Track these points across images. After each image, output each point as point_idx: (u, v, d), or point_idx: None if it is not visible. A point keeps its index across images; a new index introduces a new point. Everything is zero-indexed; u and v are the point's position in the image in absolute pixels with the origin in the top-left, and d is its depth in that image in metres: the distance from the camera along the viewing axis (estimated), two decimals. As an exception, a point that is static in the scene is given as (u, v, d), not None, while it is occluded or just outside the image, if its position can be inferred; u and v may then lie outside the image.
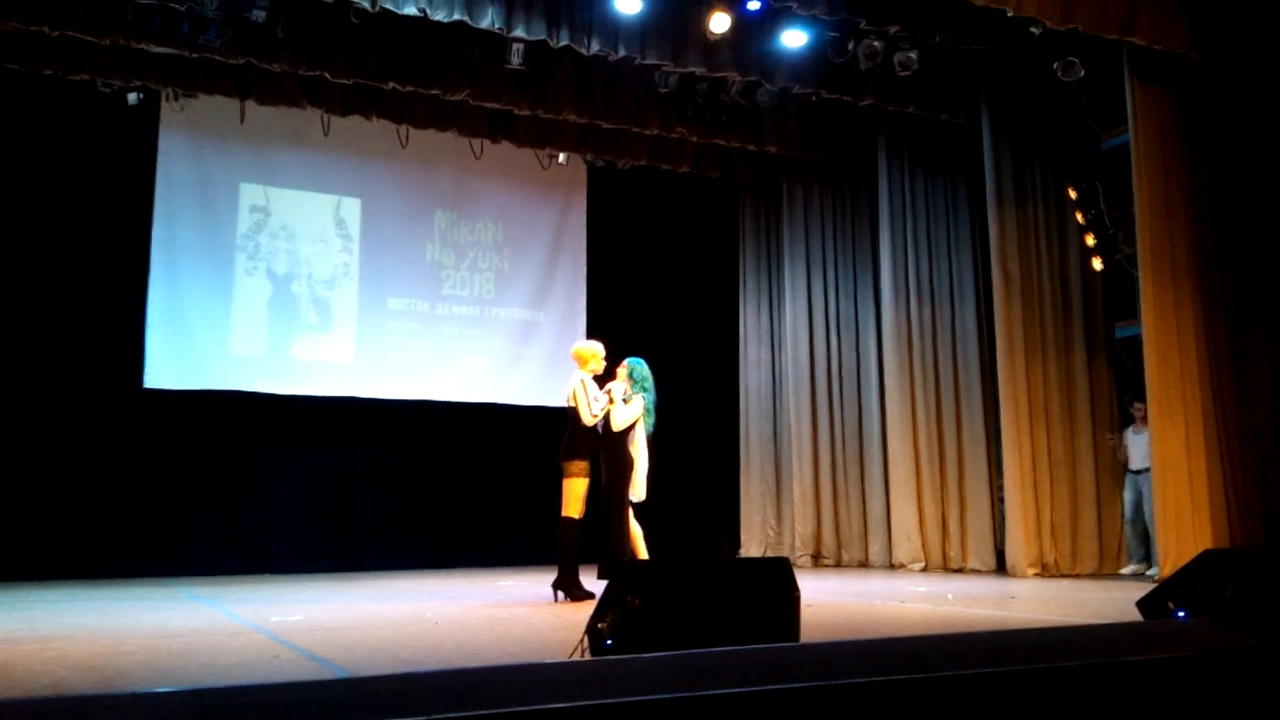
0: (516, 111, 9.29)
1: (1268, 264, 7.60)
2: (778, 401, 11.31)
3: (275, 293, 10.02)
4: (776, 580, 3.78)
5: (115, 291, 9.38)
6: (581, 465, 6.50)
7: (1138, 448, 8.41)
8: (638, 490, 6.62)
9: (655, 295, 11.59)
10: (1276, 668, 2.93)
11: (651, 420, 6.70)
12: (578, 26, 8.15)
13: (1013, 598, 6.74)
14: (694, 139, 10.02)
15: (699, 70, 8.78)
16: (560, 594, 6.43)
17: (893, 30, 8.22)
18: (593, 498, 6.61)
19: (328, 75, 8.47)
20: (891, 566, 9.85)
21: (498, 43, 8.42)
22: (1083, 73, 8.24)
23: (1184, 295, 7.68)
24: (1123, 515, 8.62)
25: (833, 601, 6.49)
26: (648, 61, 8.51)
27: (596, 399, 6.52)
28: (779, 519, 11.10)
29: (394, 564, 10.03)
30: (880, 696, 2.44)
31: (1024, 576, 8.35)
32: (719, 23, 8.31)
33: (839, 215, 11.07)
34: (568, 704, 2.18)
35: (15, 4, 7.43)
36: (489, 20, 7.81)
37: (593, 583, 6.37)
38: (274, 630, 4.95)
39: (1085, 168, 9.00)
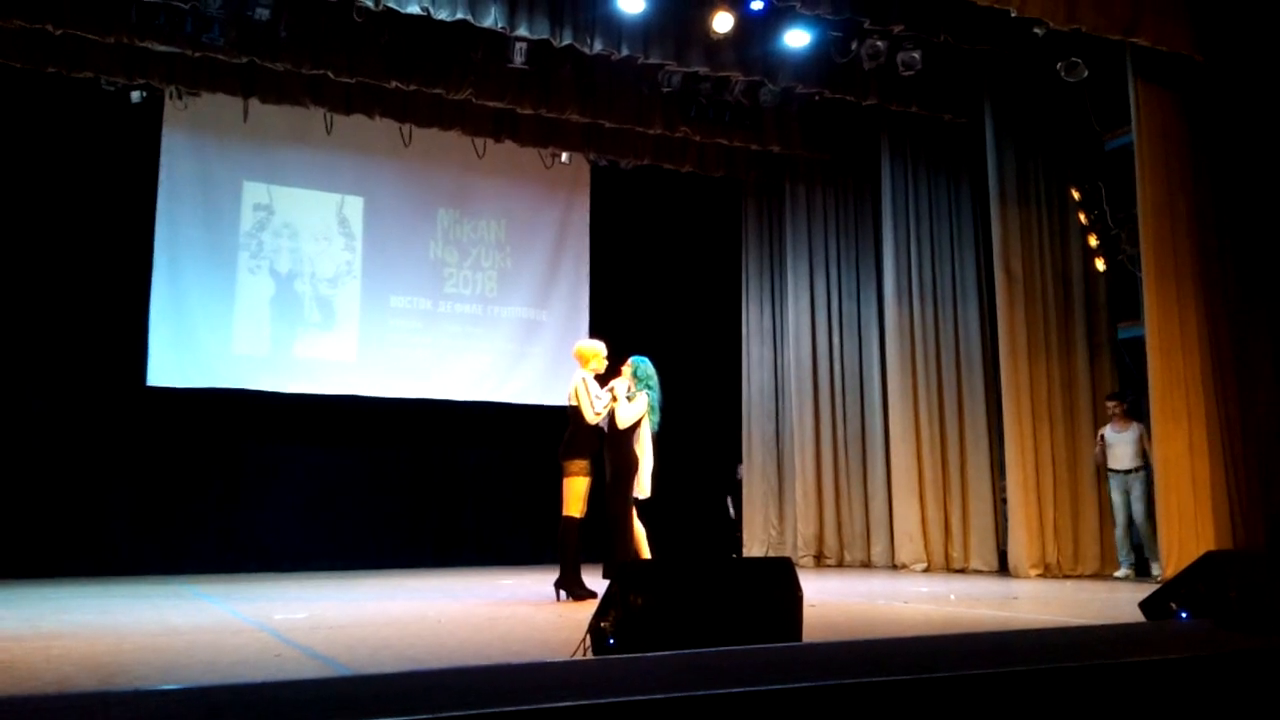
0: (519, 111, 9.29)
1: (1271, 265, 7.59)
2: (780, 401, 11.31)
3: (278, 291, 10.02)
4: (779, 580, 3.78)
5: (118, 290, 9.40)
6: (582, 464, 6.49)
7: (1122, 446, 8.32)
8: (642, 488, 6.61)
9: (658, 294, 11.59)
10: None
11: (656, 418, 6.70)
12: (581, 26, 8.15)
13: (1015, 598, 6.74)
14: (697, 138, 10.01)
15: (702, 70, 8.78)
16: (562, 593, 6.43)
17: (896, 30, 8.21)
18: (596, 497, 6.60)
19: (331, 74, 8.48)
20: (894, 567, 9.84)
21: (501, 42, 8.42)
22: (1086, 73, 8.23)
23: (1187, 296, 7.67)
24: (1114, 519, 8.52)
25: (835, 602, 6.49)
26: (651, 61, 8.51)
27: (599, 397, 6.52)
28: (781, 519, 11.10)
29: (396, 562, 10.04)
30: (883, 697, 2.44)
31: (1026, 577, 8.34)
32: (722, 22, 8.31)
33: (842, 215, 11.07)
34: (570, 703, 2.18)
35: (19, 2, 7.44)
36: (492, 19, 7.82)
37: (596, 582, 6.37)
38: (276, 628, 4.95)
39: (1088, 168, 8.99)
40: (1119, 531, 8.43)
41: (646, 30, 8.34)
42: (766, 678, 2.50)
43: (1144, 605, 4.36)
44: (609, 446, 6.57)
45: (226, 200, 9.87)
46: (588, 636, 3.54)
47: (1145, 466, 8.17)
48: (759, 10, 8.35)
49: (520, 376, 10.85)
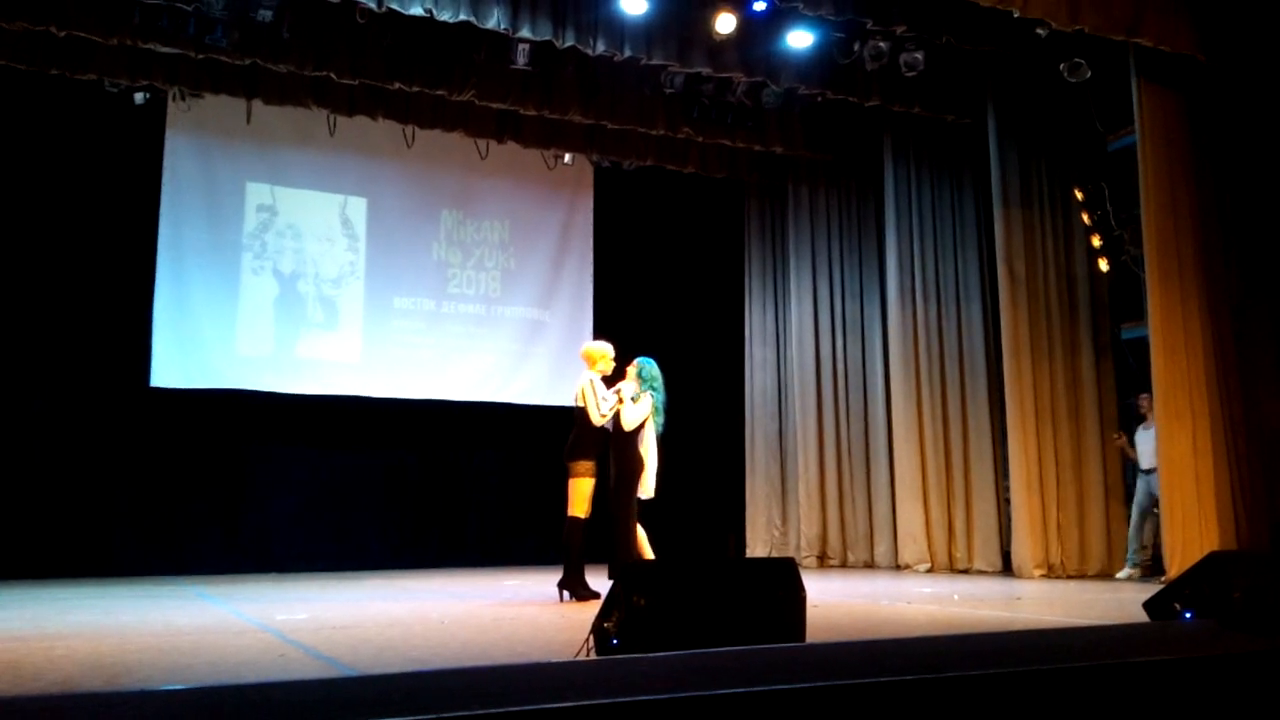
0: (522, 112, 9.30)
1: (1274, 265, 7.58)
2: (783, 402, 11.31)
3: (281, 292, 10.04)
4: (782, 581, 3.77)
5: (122, 291, 9.41)
6: (587, 465, 6.50)
7: (1147, 444, 8.25)
8: (646, 489, 6.61)
9: (661, 295, 11.61)
10: (1284, 670, 2.93)
11: (661, 419, 6.69)
12: (583, 27, 8.16)
13: (1019, 599, 6.73)
14: (699, 139, 10.01)
15: (705, 71, 8.78)
16: (566, 594, 6.43)
17: (899, 31, 8.21)
18: (600, 497, 6.60)
19: (334, 75, 8.48)
20: (897, 567, 9.84)
21: (503, 43, 8.43)
22: (1089, 74, 8.22)
23: (1190, 297, 7.66)
24: (1129, 517, 8.53)
25: (838, 602, 6.48)
26: (653, 62, 8.52)
27: (605, 399, 6.52)
28: (784, 519, 11.10)
29: (400, 563, 10.04)
30: (886, 697, 2.44)
31: (1030, 577, 8.34)
32: (724, 23, 8.31)
33: (844, 216, 11.06)
34: (574, 703, 2.18)
35: (23, 4, 7.45)
36: (495, 21, 7.82)
37: (600, 582, 6.37)
38: (280, 629, 4.95)
39: (1091, 169, 8.98)
40: (1131, 530, 8.42)
41: (649, 31, 8.34)
42: (770, 678, 2.50)
43: (1148, 606, 4.35)
44: (614, 447, 6.58)
45: (230, 201, 9.88)
46: (591, 637, 3.54)
47: None
48: (761, 11, 8.35)
49: (524, 377, 10.86)
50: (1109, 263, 8.90)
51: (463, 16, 7.70)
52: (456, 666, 3.53)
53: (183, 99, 9.33)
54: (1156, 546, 8.31)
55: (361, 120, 9.48)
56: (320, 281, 10.20)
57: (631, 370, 6.75)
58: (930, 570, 9.46)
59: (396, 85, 8.67)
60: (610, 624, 3.47)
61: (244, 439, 9.82)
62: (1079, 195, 8.98)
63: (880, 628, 5.02)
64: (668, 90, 9.22)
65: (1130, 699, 2.71)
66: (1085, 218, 8.95)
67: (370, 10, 7.61)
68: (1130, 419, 8.78)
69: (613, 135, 10.02)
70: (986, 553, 9.28)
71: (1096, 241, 8.89)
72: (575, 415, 6.61)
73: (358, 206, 10.43)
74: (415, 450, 10.57)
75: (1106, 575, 8.53)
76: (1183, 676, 2.81)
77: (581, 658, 3.52)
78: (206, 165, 9.79)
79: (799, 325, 11.00)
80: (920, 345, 9.83)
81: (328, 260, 10.25)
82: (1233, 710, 2.85)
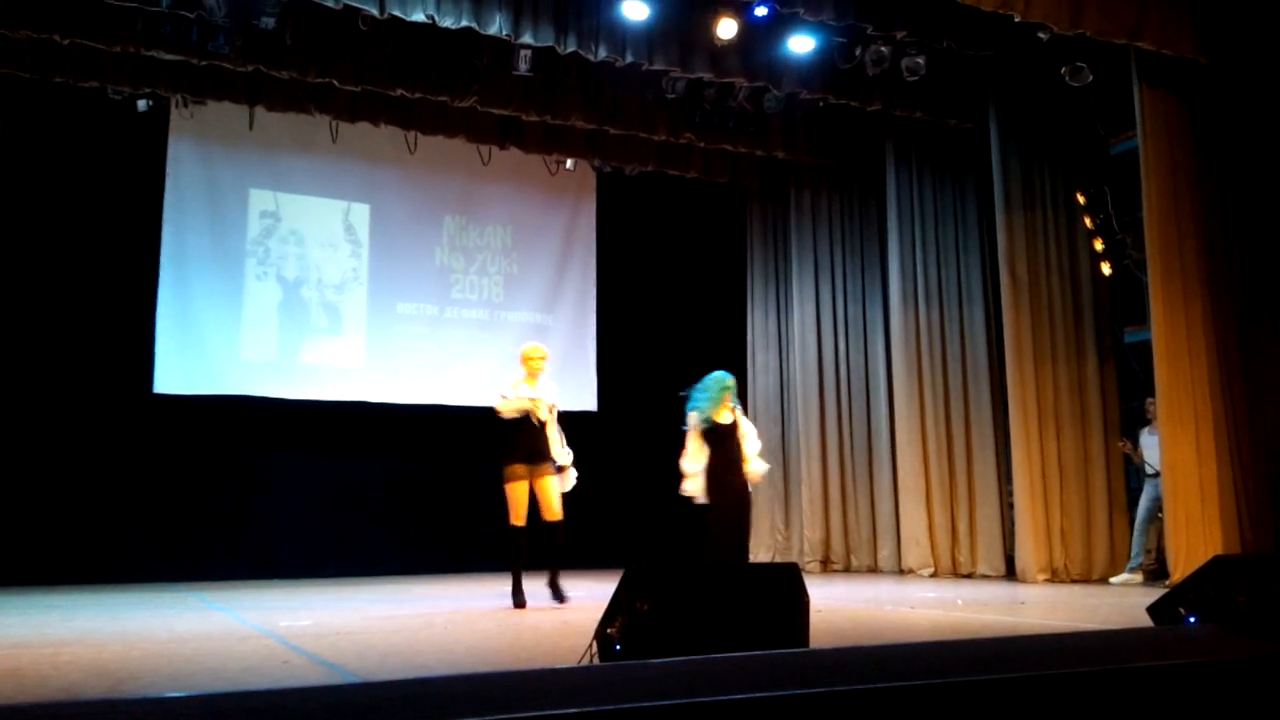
0: (524, 117, 9.31)
1: (1277, 268, 7.57)
2: (785, 406, 11.30)
3: (285, 297, 10.06)
4: (786, 586, 3.77)
5: (125, 297, 9.43)
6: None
7: (1154, 448, 8.15)
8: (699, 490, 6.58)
9: (664, 299, 11.63)
10: (1288, 674, 2.92)
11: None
12: (585, 33, 8.17)
13: (1023, 603, 6.72)
14: (701, 144, 10.02)
15: (706, 76, 8.79)
16: (557, 596, 6.44)
17: (900, 36, 8.21)
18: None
19: (336, 82, 8.50)
20: (901, 572, 9.82)
21: (505, 49, 8.44)
22: (1091, 78, 8.22)
23: (1194, 300, 7.65)
24: (1134, 520, 8.51)
25: (842, 607, 6.48)
26: (655, 67, 8.53)
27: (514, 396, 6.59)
28: (787, 524, 11.09)
29: (404, 568, 10.04)
30: (890, 702, 2.43)
31: (1034, 582, 8.32)
32: (726, 28, 8.32)
33: (847, 220, 11.06)
34: (577, 709, 2.18)
35: (27, 12, 7.48)
36: (496, 27, 7.84)
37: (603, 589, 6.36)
38: (284, 635, 4.95)
39: (1094, 172, 8.98)
40: (1135, 534, 8.39)
41: (650, 37, 8.35)
42: (773, 683, 2.50)
43: (1152, 610, 4.34)
44: (734, 470, 6.45)
45: (233, 208, 9.90)
46: (594, 643, 3.54)
47: None
48: (763, 17, 8.35)
49: (528, 381, 10.85)
50: (1111, 266, 8.89)
51: (465, 23, 7.72)
52: (461, 673, 3.53)
53: (185, 106, 9.36)
54: (1161, 551, 8.29)
55: (364, 126, 9.50)
56: (323, 287, 10.22)
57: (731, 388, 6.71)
58: (934, 575, 9.45)
59: (399, 91, 8.68)
60: (614, 630, 3.47)
61: (247, 445, 9.83)
62: (1081, 199, 8.97)
63: (884, 633, 5.01)
64: (669, 95, 9.23)
65: (1135, 704, 2.70)
66: (1087, 221, 8.95)
67: (372, 17, 7.62)
68: (1134, 423, 8.77)
69: (615, 140, 10.03)
70: (990, 557, 9.27)
71: (1099, 245, 8.89)
72: (530, 419, 6.61)
73: (361, 212, 10.45)
74: (419, 455, 10.57)
75: (1110, 579, 8.51)
76: (1187, 681, 2.81)
77: (585, 664, 3.52)
78: (209, 172, 9.82)
79: (801, 329, 11.00)
80: (923, 349, 9.83)
81: (331, 266, 10.27)
82: (1238, 715, 2.84)
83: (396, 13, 7.53)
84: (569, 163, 10.91)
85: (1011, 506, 9.01)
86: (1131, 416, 8.87)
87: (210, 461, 9.68)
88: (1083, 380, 8.84)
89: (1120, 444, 8.67)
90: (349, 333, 10.27)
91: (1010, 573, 8.99)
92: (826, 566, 10.54)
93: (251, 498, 9.81)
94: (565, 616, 5.88)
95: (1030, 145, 9.04)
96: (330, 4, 7.36)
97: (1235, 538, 7.33)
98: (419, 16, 7.58)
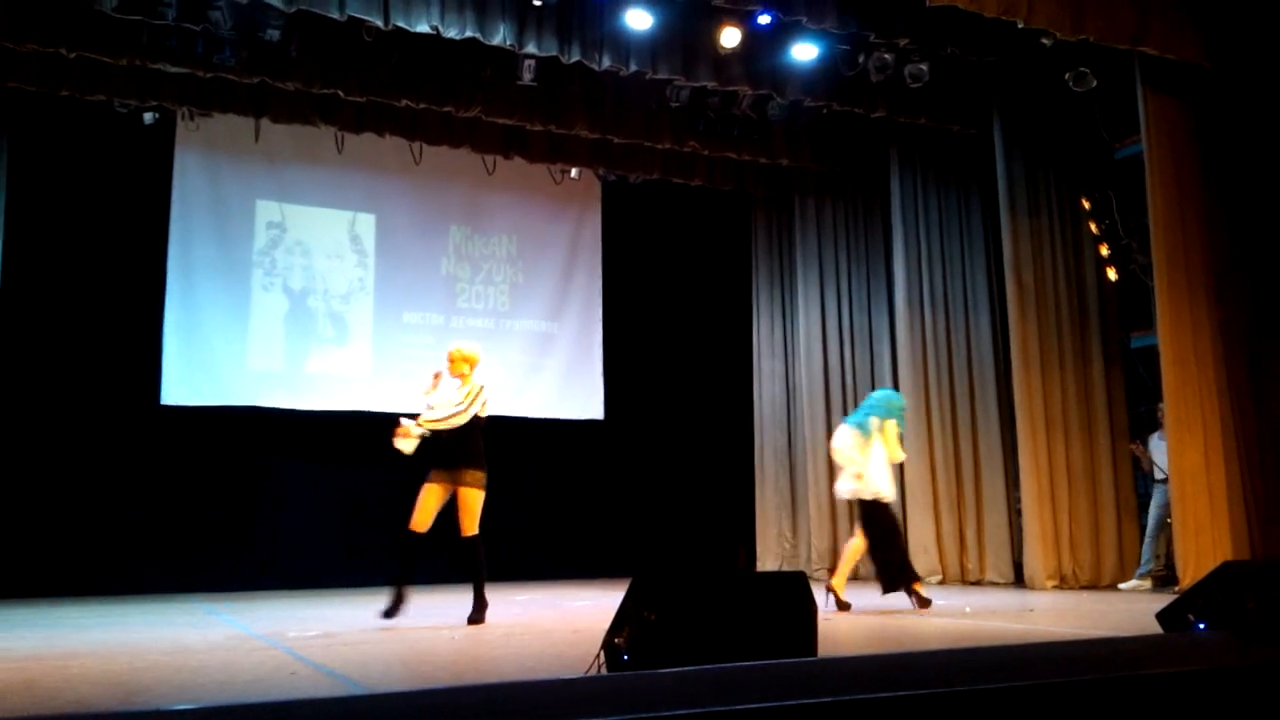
0: (528, 127, 9.33)
1: (1284, 272, 7.56)
2: (792, 414, 11.28)
3: (291, 308, 10.09)
4: (793, 594, 3.77)
5: (132, 309, 9.46)
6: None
7: (1161, 455, 8.15)
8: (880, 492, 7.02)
9: (669, 307, 11.63)
10: (1299, 681, 2.91)
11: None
12: (589, 42, 8.19)
13: (1031, 610, 6.70)
14: (706, 153, 10.03)
15: (710, 84, 8.80)
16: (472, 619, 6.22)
17: (903, 43, 8.22)
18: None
19: (341, 93, 8.53)
20: (908, 579, 9.78)
21: (509, 59, 8.46)
22: (1095, 83, 8.22)
23: (1200, 305, 7.63)
24: (1144, 527, 8.47)
25: (850, 615, 6.46)
26: (659, 76, 8.54)
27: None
28: (795, 532, 11.07)
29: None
30: (899, 712, 2.43)
31: (1042, 589, 8.29)
32: (729, 37, 8.33)
33: (852, 227, 11.06)
34: (585, 720, 2.18)
35: (33, 26, 7.52)
36: (501, 37, 7.86)
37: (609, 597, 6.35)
38: (291, 646, 4.96)
39: (1098, 178, 8.97)
40: (1145, 540, 8.36)
41: (654, 46, 8.37)
42: (781, 693, 2.49)
43: (1161, 617, 4.33)
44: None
45: (239, 219, 9.94)
46: (602, 653, 3.53)
47: None
48: (766, 25, 8.36)
49: (533, 390, 10.87)
50: (1117, 271, 8.87)
51: (469, 33, 7.74)
52: (468, 683, 3.53)
53: (191, 118, 9.39)
54: (1170, 557, 8.26)
55: (369, 137, 9.52)
56: (330, 297, 10.25)
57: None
58: (942, 582, 9.42)
59: (404, 102, 8.71)
60: (621, 639, 3.47)
61: (255, 455, 9.84)
62: (1086, 204, 8.96)
63: (892, 641, 5.00)
64: (673, 104, 9.25)
65: (1145, 711, 2.69)
66: (1093, 226, 8.94)
67: (377, 28, 7.65)
68: (1141, 428, 8.75)
69: (619, 149, 10.05)
70: (998, 564, 9.24)
71: (1104, 250, 8.87)
72: (475, 423, 6.62)
73: (366, 223, 10.48)
74: (426, 465, 10.53)
75: (1119, 586, 8.47)
76: (1197, 688, 2.80)
77: (592, 674, 3.51)
78: (215, 183, 9.85)
79: (807, 337, 10.99)
80: (929, 356, 9.81)
81: (337, 276, 10.30)
82: (1248, 722, 2.83)
83: (401, 24, 7.56)
84: (574, 172, 10.94)
85: (1019, 513, 8.98)
86: (1139, 422, 8.85)
87: (217, 472, 9.69)
88: (1089, 386, 8.82)
89: (1132, 445, 8.65)
90: (355, 343, 10.29)
91: (1019, 580, 8.96)
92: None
93: (259, 508, 9.82)
94: (573, 626, 5.88)
95: (1034, 151, 9.03)
96: (335, 16, 7.39)
97: (1244, 543, 7.31)
98: (423, 27, 7.61)
